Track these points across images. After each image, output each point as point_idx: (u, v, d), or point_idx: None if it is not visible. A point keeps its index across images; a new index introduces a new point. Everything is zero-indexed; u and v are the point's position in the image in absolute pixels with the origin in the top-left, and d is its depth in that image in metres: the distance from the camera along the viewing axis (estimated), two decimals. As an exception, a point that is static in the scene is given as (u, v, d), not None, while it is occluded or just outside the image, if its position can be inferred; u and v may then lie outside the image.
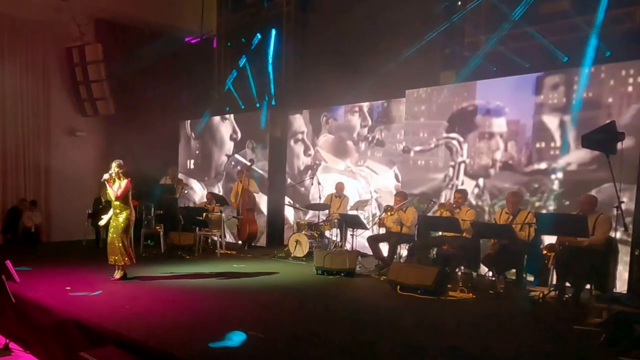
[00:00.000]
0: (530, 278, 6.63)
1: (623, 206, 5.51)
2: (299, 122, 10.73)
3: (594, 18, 6.85)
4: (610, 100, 6.79)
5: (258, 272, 7.72)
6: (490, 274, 6.69)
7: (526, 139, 7.54)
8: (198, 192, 12.29)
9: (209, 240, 10.11)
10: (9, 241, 10.76)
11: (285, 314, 5.49)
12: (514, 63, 7.69)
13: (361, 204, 9.13)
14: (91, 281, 6.61)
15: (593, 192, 6.48)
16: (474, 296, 6.21)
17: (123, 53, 11.16)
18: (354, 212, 8.65)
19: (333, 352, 4.24)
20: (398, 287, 6.36)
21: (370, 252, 8.03)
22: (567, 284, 6.03)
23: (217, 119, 11.87)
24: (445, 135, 8.42)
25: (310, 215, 10.03)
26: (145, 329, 4.59)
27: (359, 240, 8.22)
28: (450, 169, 8.35)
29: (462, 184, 8.18)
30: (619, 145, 5.46)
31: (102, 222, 7.06)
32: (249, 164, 10.53)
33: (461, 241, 6.83)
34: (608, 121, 5.87)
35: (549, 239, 6.54)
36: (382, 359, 4.17)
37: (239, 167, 11.17)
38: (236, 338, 4.43)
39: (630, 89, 6.63)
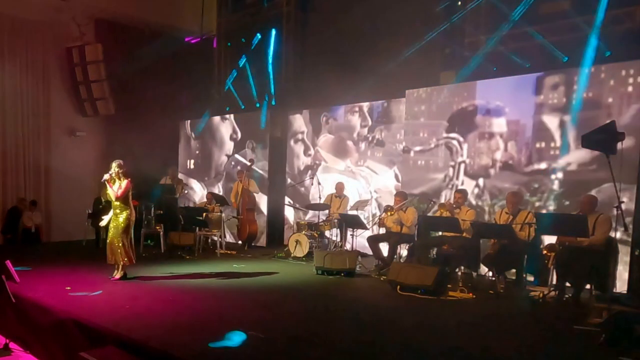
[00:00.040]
0: (530, 278, 6.62)
1: (623, 206, 5.50)
2: (299, 122, 10.73)
3: (594, 18, 6.85)
4: (610, 100, 6.79)
5: (258, 272, 7.72)
6: (490, 274, 6.68)
7: (526, 139, 7.54)
8: (198, 192, 12.29)
9: (209, 240, 10.11)
10: (9, 241, 10.77)
11: (285, 314, 5.48)
12: (514, 63, 7.69)
13: (361, 204, 9.13)
14: (91, 281, 6.61)
15: (593, 192, 6.48)
16: (474, 296, 6.20)
17: (123, 53, 11.17)
18: (354, 212, 8.65)
19: (333, 352, 4.24)
20: (398, 287, 6.36)
21: (370, 252, 8.03)
22: (567, 284, 6.02)
23: (217, 119, 11.87)
24: (445, 135, 8.42)
25: (310, 215, 10.03)
26: (145, 329, 4.59)
27: (359, 240, 8.22)
28: (450, 169, 8.35)
29: (462, 184, 8.18)
30: (619, 145, 5.46)
31: (102, 223, 7.05)
32: (249, 164, 10.53)
33: (461, 241, 6.83)
34: (608, 121, 5.87)
35: (549, 239, 6.54)
36: (382, 359, 4.16)
37: (239, 167, 11.17)
38: (236, 338, 4.43)
39: (630, 89, 6.63)
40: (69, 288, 6.16)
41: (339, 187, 9.27)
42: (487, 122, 7.94)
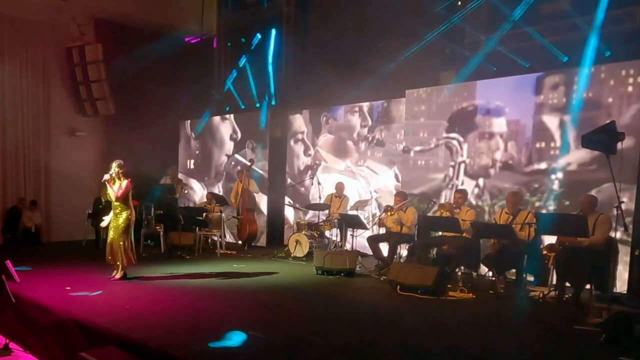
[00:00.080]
0: (530, 278, 6.61)
1: (623, 206, 5.50)
2: (299, 122, 10.73)
3: (594, 18, 6.84)
4: (610, 100, 6.79)
5: (258, 272, 7.72)
6: (490, 274, 6.69)
7: (526, 139, 7.54)
8: (198, 192, 12.29)
9: (209, 240, 10.11)
10: (9, 241, 10.77)
11: (285, 314, 5.48)
12: (514, 63, 7.69)
13: (361, 204, 9.13)
14: (91, 281, 6.61)
15: (593, 192, 6.48)
16: (474, 296, 6.21)
17: (123, 53, 11.16)
18: (354, 212, 8.65)
19: (333, 352, 4.24)
20: (398, 287, 6.36)
21: (370, 252, 8.03)
22: (567, 284, 6.02)
23: (217, 119, 11.87)
24: (445, 135, 8.42)
25: (310, 215, 10.03)
26: (145, 329, 4.59)
27: (359, 240, 8.22)
28: (450, 169, 8.35)
29: (462, 184, 8.18)
30: (619, 145, 5.46)
31: (103, 224, 7.03)
32: (249, 164, 10.53)
33: (461, 241, 6.82)
34: (608, 121, 5.87)
35: (549, 239, 6.54)
36: (382, 359, 4.16)
37: (239, 167, 11.17)
38: (236, 338, 4.43)
39: (630, 89, 6.63)
40: (69, 288, 6.16)
41: (339, 187, 9.27)
42: (487, 122, 7.94)
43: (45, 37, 11.25)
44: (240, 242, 10.61)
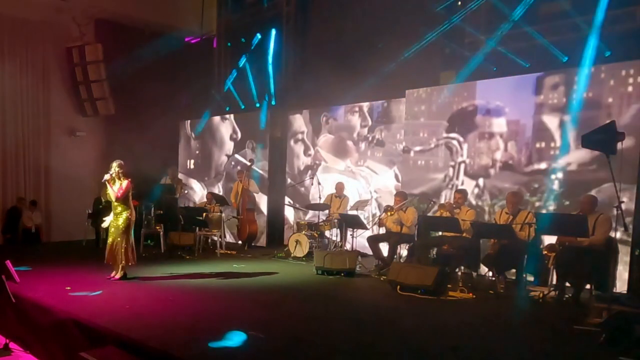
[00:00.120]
0: (530, 278, 6.61)
1: (623, 206, 5.50)
2: (299, 122, 10.73)
3: (594, 18, 6.84)
4: (610, 100, 6.79)
5: (258, 272, 7.72)
6: (490, 274, 6.69)
7: (526, 139, 7.54)
8: (198, 192, 12.29)
9: (209, 240, 10.11)
10: (9, 241, 10.77)
11: (285, 314, 5.48)
12: (514, 63, 7.69)
13: (361, 204, 9.13)
14: (91, 281, 6.60)
15: (593, 192, 6.48)
16: (474, 296, 6.21)
17: (123, 53, 11.15)
18: (354, 212, 8.65)
19: (333, 352, 4.24)
20: (398, 287, 6.36)
21: (370, 252, 8.03)
22: (567, 284, 6.03)
23: (217, 119, 11.87)
24: (445, 135, 8.42)
25: (310, 215, 10.03)
26: (145, 329, 4.59)
27: (359, 240, 8.22)
28: (450, 169, 8.35)
29: (462, 184, 8.18)
30: (619, 145, 5.46)
31: (104, 225, 7.03)
32: (249, 164, 10.53)
33: (461, 241, 6.82)
34: (608, 121, 5.87)
35: (549, 239, 6.54)
36: (382, 359, 4.16)
37: (239, 167, 11.18)
38: (236, 338, 4.43)
39: (630, 89, 6.63)
40: (69, 288, 6.15)
41: (339, 187, 9.27)
42: (487, 122, 7.94)
43: (45, 37, 11.25)
44: (240, 242, 10.61)
